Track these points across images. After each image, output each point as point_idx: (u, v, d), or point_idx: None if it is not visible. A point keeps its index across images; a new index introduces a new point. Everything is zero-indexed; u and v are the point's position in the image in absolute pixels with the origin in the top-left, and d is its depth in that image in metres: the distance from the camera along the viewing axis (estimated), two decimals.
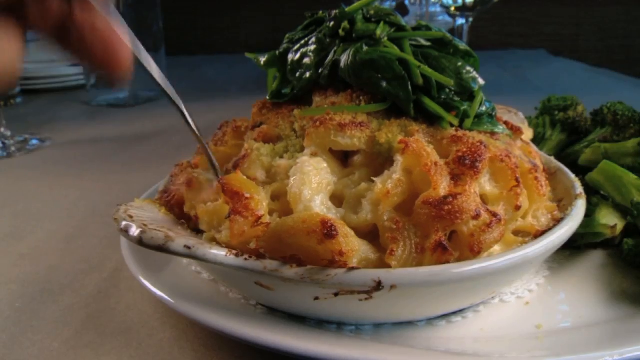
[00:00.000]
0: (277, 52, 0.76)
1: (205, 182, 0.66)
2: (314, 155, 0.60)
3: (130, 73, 0.49)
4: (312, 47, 0.71)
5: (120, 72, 0.48)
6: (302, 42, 0.74)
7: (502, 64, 2.53)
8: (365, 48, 0.66)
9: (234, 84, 2.23)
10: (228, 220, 0.54)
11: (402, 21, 0.71)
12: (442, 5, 1.74)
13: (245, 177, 0.57)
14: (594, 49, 3.16)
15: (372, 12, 0.71)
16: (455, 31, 1.70)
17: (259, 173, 0.62)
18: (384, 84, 0.64)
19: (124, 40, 0.49)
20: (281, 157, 0.63)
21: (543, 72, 2.38)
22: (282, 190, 0.59)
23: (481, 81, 0.68)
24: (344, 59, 0.67)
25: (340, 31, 0.69)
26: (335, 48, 0.69)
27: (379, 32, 0.67)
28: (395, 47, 0.67)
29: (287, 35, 0.77)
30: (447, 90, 0.66)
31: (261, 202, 0.54)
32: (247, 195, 0.54)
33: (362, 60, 0.65)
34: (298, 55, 0.72)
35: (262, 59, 0.77)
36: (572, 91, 1.10)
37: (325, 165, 0.60)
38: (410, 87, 0.64)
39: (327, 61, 0.69)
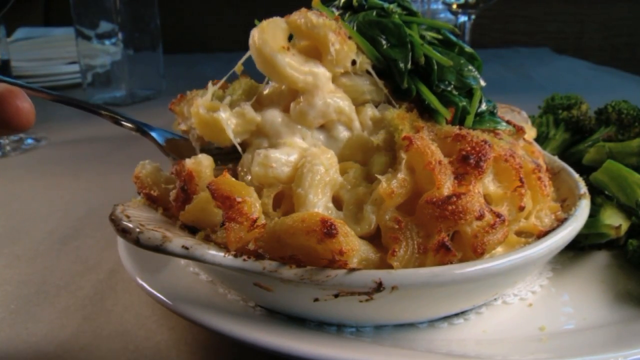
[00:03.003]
0: None
1: (163, 190, 0.65)
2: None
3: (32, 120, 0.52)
4: None
5: (25, 124, 0.51)
6: None
7: (505, 62, 2.52)
8: (375, 13, 0.66)
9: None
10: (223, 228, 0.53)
11: (414, 7, 0.71)
12: (444, 3, 1.73)
13: (233, 179, 0.56)
14: (599, 47, 3.15)
15: None
16: (457, 29, 1.69)
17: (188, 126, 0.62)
18: (385, 45, 0.64)
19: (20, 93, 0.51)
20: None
21: (546, 70, 2.37)
22: (285, 193, 0.58)
23: (482, 82, 0.68)
24: (351, 22, 0.67)
25: (355, 1, 0.69)
26: (345, 17, 0.69)
27: (392, 6, 0.68)
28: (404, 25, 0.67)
29: None
30: (447, 82, 0.66)
31: (254, 203, 0.53)
32: (239, 199, 0.52)
33: (370, 19, 0.65)
34: None
35: None
36: (576, 90, 1.09)
37: (335, 160, 0.59)
38: (410, 58, 0.63)
39: None
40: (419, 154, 0.55)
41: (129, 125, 0.64)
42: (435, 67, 0.65)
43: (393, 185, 0.54)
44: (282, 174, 0.58)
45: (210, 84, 0.64)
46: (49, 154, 1.36)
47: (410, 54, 0.64)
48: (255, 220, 0.52)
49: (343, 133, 0.63)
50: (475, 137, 0.59)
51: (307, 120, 0.61)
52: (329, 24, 0.61)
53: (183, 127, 0.70)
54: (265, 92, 0.64)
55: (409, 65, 0.63)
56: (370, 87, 0.65)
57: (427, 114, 0.65)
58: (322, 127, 0.63)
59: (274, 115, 0.62)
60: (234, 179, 0.55)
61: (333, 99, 0.62)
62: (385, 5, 0.68)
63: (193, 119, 0.62)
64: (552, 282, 0.67)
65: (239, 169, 0.63)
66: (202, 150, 0.68)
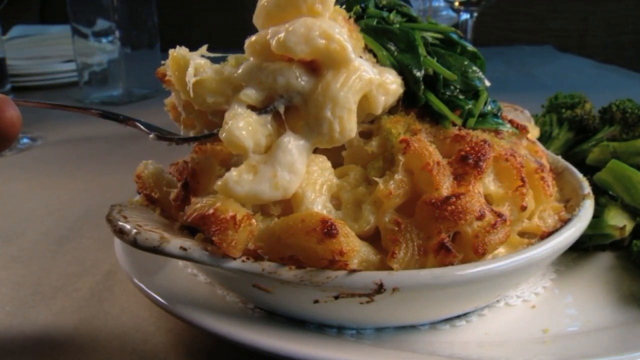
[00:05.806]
0: None
1: (165, 193, 0.64)
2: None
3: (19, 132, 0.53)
4: None
5: (11, 130, 0.52)
6: None
7: (508, 60, 2.52)
8: (375, 22, 0.65)
9: None
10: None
11: (414, 13, 0.71)
12: (446, 0, 1.73)
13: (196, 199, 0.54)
14: (603, 45, 3.15)
15: (384, 3, 0.71)
16: (459, 27, 1.68)
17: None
18: (396, 53, 0.63)
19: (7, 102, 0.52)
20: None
21: (550, 68, 2.37)
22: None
23: (487, 82, 0.68)
24: None
25: (352, 13, 0.68)
26: None
27: (392, 16, 0.66)
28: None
29: None
30: (452, 87, 0.65)
31: (224, 204, 0.51)
32: (210, 212, 0.51)
33: (374, 27, 0.64)
34: None
35: None
36: (579, 88, 1.09)
37: (329, 164, 0.58)
38: (422, 62, 0.62)
39: None
40: (416, 156, 0.55)
41: (113, 117, 0.63)
42: (442, 76, 0.64)
43: (390, 186, 0.54)
44: (263, 194, 0.54)
45: (204, 47, 0.62)
46: (45, 154, 1.35)
47: (421, 58, 0.63)
48: (234, 217, 0.50)
49: (331, 74, 0.54)
50: (474, 137, 0.59)
51: (289, 49, 0.52)
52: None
53: (171, 98, 0.68)
54: (247, 42, 0.57)
55: (423, 71, 0.62)
56: (397, 77, 0.62)
57: (429, 116, 0.64)
58: (312, 68, 0.56)
59: (249, 63, 0.56)
60: (196, 199, 0.54)
61: (316, 22, 0.52)
62: (385, 14, 0.67)
63: (168, 60, 0.60)
64: (555, 284, 0.67)
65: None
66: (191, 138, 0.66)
